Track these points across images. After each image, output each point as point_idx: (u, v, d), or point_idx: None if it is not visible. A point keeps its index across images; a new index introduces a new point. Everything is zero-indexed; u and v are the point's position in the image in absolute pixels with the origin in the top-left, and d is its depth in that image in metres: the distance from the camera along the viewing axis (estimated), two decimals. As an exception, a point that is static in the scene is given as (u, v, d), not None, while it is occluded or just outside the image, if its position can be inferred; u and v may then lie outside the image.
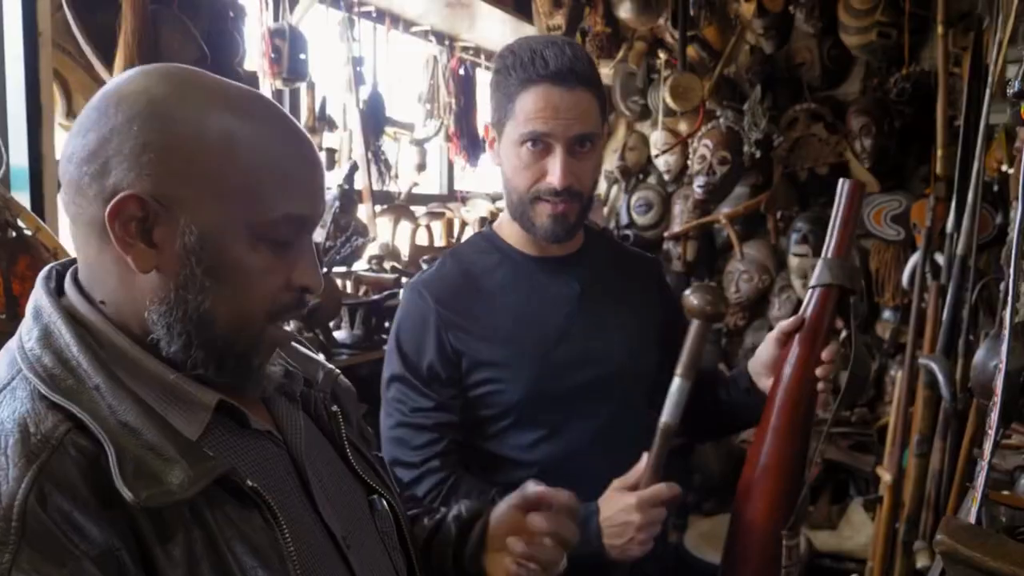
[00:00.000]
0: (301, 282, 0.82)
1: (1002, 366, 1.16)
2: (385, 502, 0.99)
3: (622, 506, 1.28)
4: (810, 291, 1.36)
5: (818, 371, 1.32)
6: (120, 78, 0.78)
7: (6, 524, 0.64)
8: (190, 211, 0.75)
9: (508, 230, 1.49)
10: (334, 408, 0.98)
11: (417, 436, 1.40)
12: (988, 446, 1.18)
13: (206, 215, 0.75)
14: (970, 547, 1.01)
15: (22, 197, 1.66)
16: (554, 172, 1.35)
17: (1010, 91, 1.01)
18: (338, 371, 1.01)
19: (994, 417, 1.18)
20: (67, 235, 0.87)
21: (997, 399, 1.17)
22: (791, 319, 1.36)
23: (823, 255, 1.36)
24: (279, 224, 0.79)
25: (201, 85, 0.78)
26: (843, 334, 1.49)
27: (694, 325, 1.32)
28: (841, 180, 1.36)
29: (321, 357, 1.03)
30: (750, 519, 1.31)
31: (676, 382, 1.31)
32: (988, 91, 2.00)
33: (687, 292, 1.34)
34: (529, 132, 1.34)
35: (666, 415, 1.31)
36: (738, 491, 1.34)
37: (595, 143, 1.39)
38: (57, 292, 0.80)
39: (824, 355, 1.32)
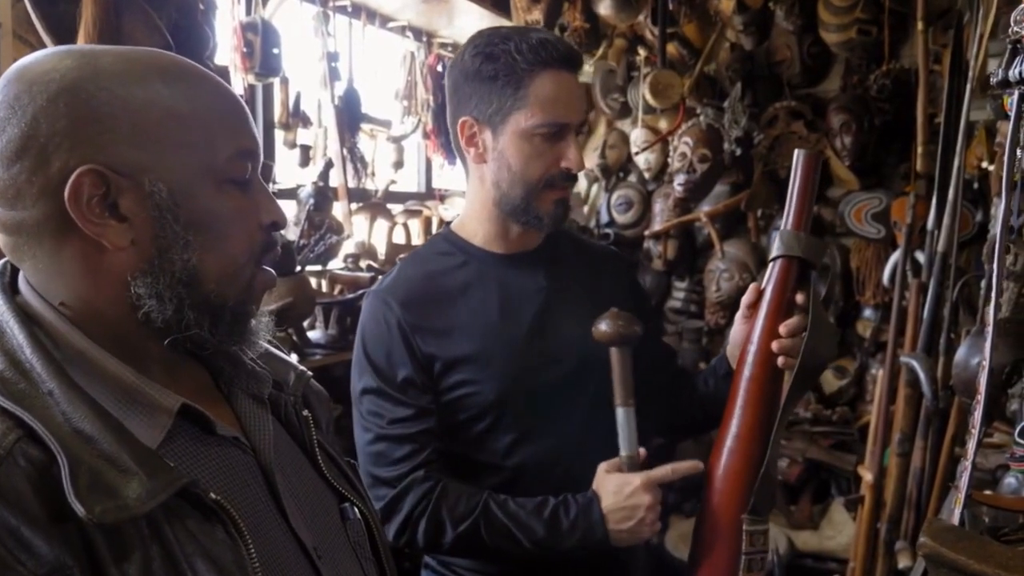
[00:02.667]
0: (269, 218, 0.81)
1: (985, 364, 1.13)
2: (357, 510, 0.95)
3: (629, 490, 1.27)
4: (770, 264, 1.33)
5: (774, 345, 1.28)
6: (18, 67, 0.72)
7: None
8: (150, 171, 0.72)
9: (471, 229, 1.45)
10: (305, 412, 0.94)
11: (398, 448, 1.34)
12: (971, 445, 1.16)
13: (167, 171, 0.73)
14: (954, 550, 0.99)
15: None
16: (571, 157, 1.34)
17: (993, 80, 0.99)
18: (310, 373, 0.97)
19: (977, 416, 1.16)
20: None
21: (981, 397, 1.15)
22: (751, 289, 1.34)
23: (781, 227, 1.32)
24: (234, 161, 0.78)
25: (106, 53, 0.74)
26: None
27: (612, 353, 1.29)
28: (797, 151, 1.32)
29: (294, 358, 0.99)
30: (717, 503, 1.29)
31: (619, 413, 1.29)
32: (969, 87, 1.98)
33: (597, 320, 1.31)
34: (550, 121, 1.31)
35: (624, 448, 1.30)
36: (707, 474, 1.31)
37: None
38: (11, 289, 0.76)
39: (782, 329, 1.28)
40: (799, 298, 1.30)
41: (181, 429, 0.76)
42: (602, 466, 1.31)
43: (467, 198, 1.48)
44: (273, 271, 0.85)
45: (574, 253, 1.52)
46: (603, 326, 1.30)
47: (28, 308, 0.74)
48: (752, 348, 1.30)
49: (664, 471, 1.28)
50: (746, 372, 1.30)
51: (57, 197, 0.70)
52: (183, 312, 0.75)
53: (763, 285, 1.32)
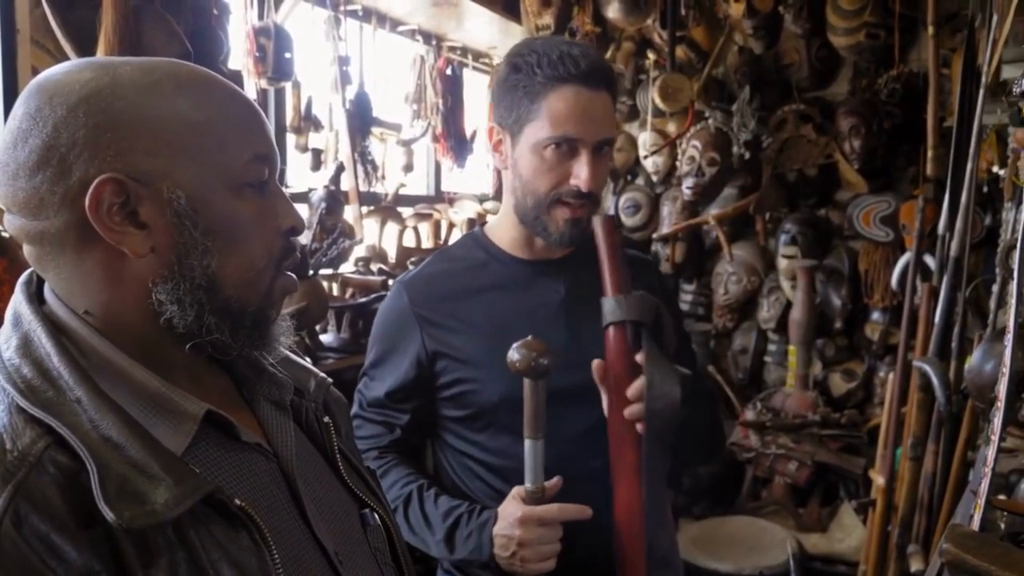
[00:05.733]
0: (286, 224, 0.82)
1: (1006, 371, 1.14)
2: (377, 516, 0.96)
3: (510, 520, 1.27)
4: (604, 335, 1.30)
5: (625, 412, 1.26)
6: (39, 79, 0.74)
7: None
8: (168, 178, 0.73)
9: (499, 232, 1.46)
10: (326, 419, 0.95)
11: (365, 428, 1.46)
12: (992, 452, 1.16)
13: (185, 178, 0.74)
14: (978, 556, 0.99)
15: None
16: (580, 175, 1.31)
17: (1017, 89, 0.99)
18: (330, 380, 0.98)
19: (997, 422, 1.16)
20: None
21: (1001, 404, 1.15)
22: (595, 366, 1.29)
23: (604, 296, 1.31)
24: (250, 166, 0.78)
25: (124, 64, 0.75)
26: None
27: (525, 384, 1.24)
28: (593, 218, 1.34)
29: (311, 365, 1.00)
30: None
31: (527, 445, 1.26)
32: (982, 91, 1.99)
33: (511, 348, 1.23)
34: (560, 135, 1.31)
35: (528, 480, 1.27)
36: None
37: (611, 147, 1.39)
38: (38, 298, 0.77)
39: (629, 394, 1.26)
40: (638, 358, 1.26)
41: (205, 435, 0.77)
42: (513, 490, 1.30)
43: (502, 201, 1.49)
44: (294, 276, 0.86)
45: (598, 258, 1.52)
46: (515, 356, 1.22)
47: (54, 317, 0.74)
48: (614, 423, 1.28)
49: (549, 509, 1.26)
50: (616, 450, 1.28)
51: (78, 206, 0.70)
52: (204, 318, 0.76)
53: (606, 357, 1.30)
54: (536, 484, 1.26)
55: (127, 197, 0.71)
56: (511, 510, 1.28)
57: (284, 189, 0.84)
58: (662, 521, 1.26)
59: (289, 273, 0.84)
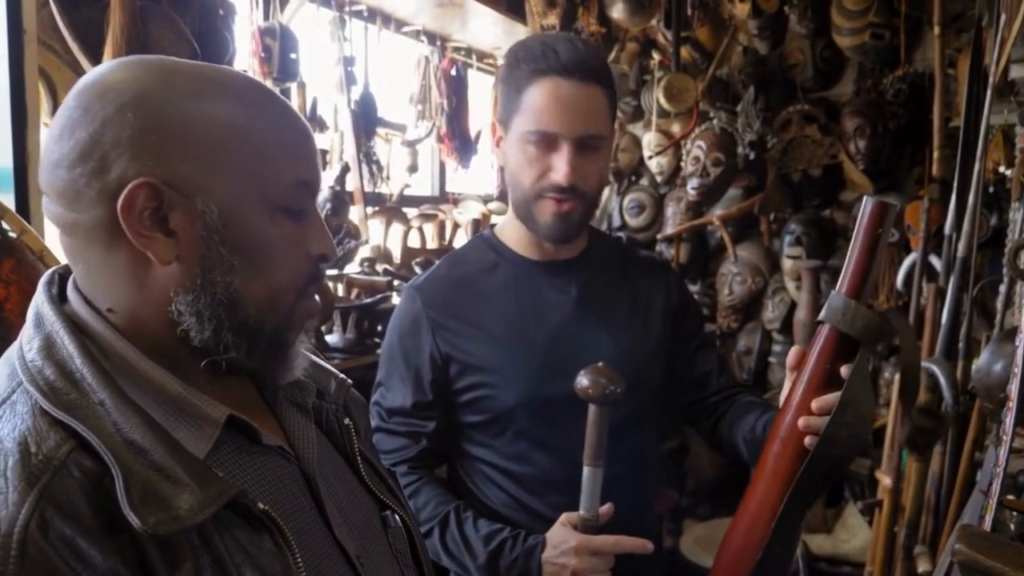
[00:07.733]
0: (317, 251, 0.80)
1: (1018, 371, 1.13)
2: (398, 518, 0.95)
3: (564, 548, 1.25)
4: (818, 327, 1.14)
5: (800, 422, 1.12)
6: (95, 73, 0.74)
7: (5, 553, 0.60)
8: (205, 191, 0.72)
9: (509, 233, 1.45)
10: (346, 421, 0.94)
11: (390, 441, 1.42)
12: (1003, 452, 1.16)
13: (221, 194, 0.73)
14: (990, 557, 0.99)
15: (6, 198, 1.61)
16: (559, 169, 1.29)
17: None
18: (350, 381, 0.97)
19: (1009, 422, 1.16)
20: (52, 237, 0.82)
21: (1012, 404, 1.15)
22: (792, 352, 1.19)
23: (836, 288, 1.13)
24: (292, 191, 0.77)
25: (180, 68, 0.75)
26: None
27: (591, 410, 1.20)
28: (866, 198, 1.10)
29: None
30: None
31: (585, 472, 1.22)
32: (989, 92, 1.98)
33: (580, 373, 1.19)
34: (536, 130, 1.29)
35: (583, 508, 1.24)
36: (722, 540, 1.20)
37: (603, 144, 1.35)
38: (59, 298, 0.76)
39: (813, 405, 1.11)
40: (843, 371, 1.11)
41: (227, 439, 0.76)
42: (562, 516, 1.29)
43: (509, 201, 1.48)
44: (317, 300, 0.85)
45: (615, 264, 1.49)
46: (584, 381, 1.19)
47: (76, 318, 0.74)
48: (784, 421, 1.14)
49: (606, 540, 1.24)
50: (775, 447, 1.15)
51: (112, 204, 0.70)
52: (222, 334, 0.75)
53: (809, 349, 1.16)
54: (591, 512, 1.24)
55: (160, 203, 0.71)
56: (563, 537, 1.26)
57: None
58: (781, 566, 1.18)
59: (312, 298, 0.83)
